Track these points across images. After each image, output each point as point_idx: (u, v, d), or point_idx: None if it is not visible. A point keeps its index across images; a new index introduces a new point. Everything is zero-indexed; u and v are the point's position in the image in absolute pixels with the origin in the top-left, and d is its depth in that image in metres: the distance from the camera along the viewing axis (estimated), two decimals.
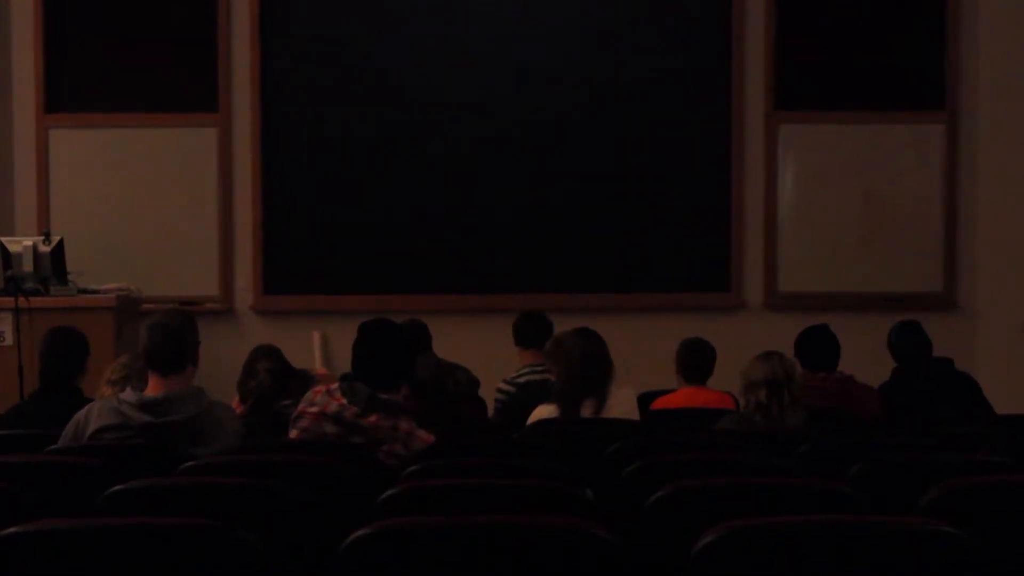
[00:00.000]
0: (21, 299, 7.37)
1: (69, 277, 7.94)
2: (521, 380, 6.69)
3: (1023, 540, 3.40)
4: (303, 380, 5.98)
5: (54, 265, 7.85)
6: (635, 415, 5.75)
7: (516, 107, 9.35)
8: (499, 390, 6.74)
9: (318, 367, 8.57)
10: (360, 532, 2.82)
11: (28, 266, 7.74)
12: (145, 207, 9.23)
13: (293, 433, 4.80)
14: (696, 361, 6.61)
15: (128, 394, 4.70)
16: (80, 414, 4.74)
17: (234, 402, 5.90)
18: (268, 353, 6.01)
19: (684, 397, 6.48)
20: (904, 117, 9.37)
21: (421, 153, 9.34)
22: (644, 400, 6.35)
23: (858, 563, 2.82)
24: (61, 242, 7.95)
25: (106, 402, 4.74)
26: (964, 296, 9.37)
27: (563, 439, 5.01)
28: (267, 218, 9.31)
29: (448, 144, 9.35)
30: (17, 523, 2.90)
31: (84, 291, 7.94)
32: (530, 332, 6.96)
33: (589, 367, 5.62)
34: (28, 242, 7.88)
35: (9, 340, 7.44)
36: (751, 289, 9.40)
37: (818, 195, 9.38)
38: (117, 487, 3.44)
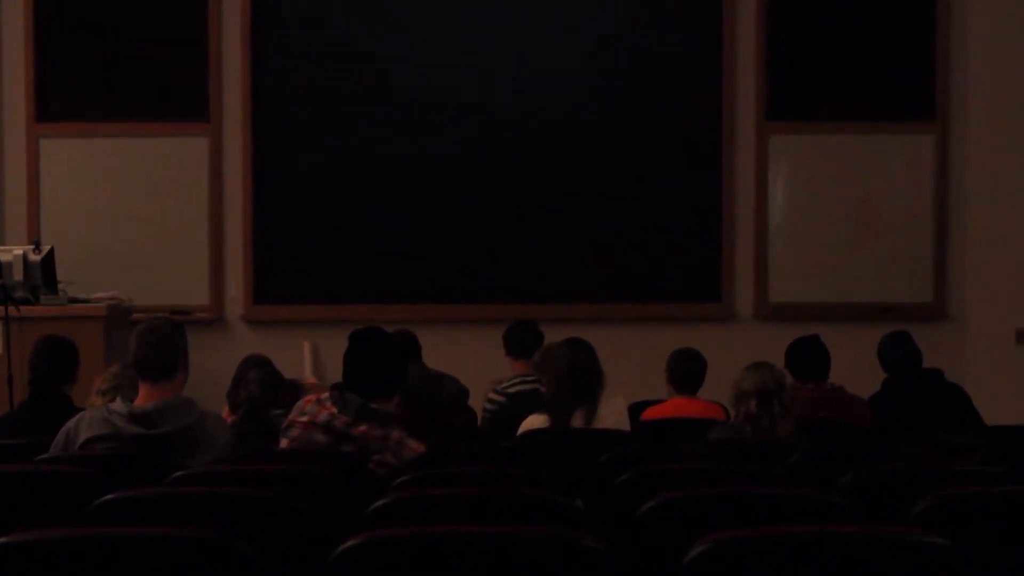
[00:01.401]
0: (11, 308, 7.36)
1: (59, 286, 7.92)
2: (512, 390, 6.69)
3: (1014, 550, 3.41)
4: (293, 390, 5.98)
5: (44, 274, 7.83)
6: (626, 425, 5.75)
7: (507, 119, 9.36)
8: (489, 399, 6.74)
9: (308, 377, 8.57)
10: (351, 542, 2.82)
11: (18, 275, 7.72)
12: (136, 216, 9.22)
13: (283, 443, 4.80)
14: (687, 371, 6.62)
15: (118, 404, 4.67)
16: (70, 423, 4.72)
17: (224, 412, 5.90)
18: (259, 363, 6.01)
19: (674, 407, 6.47)
20: (895, 127, 9.39)
21: (412, 163, 9.34)
22: (634, 410, 6.35)
23: (849, 573, 2.82)
24: (51, 251, 7.94)
25: (96, 412, 4.71)
26: (954, 306, 9.38)
27: (554, 449, 5.01)
28: (258, 228, 9.30)
29: (439, 155, 9.35)
30: (7, 533, 2.89)
31: (74, 300, 7.92)
32: (521, 342, 6.97)
33: (579, 378, 5.61)
34: (18, 251, 7.86)
35: None
36: (742, 299, 9.40)
37: (809, 205, 9.39)
38: (108, 496, 3.44)
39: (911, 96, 9.41)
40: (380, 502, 3.39)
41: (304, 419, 4.74)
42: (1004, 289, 9.24)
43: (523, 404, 6.20)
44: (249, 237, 9.28)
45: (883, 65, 9.40)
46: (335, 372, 5.07)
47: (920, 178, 9.39)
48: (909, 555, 2.84)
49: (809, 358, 6.31)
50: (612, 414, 5.64)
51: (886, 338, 6.81)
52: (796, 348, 6.37)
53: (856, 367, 6.93)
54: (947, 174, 9.36)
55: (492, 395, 6.74)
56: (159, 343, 4.72)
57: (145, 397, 4.69)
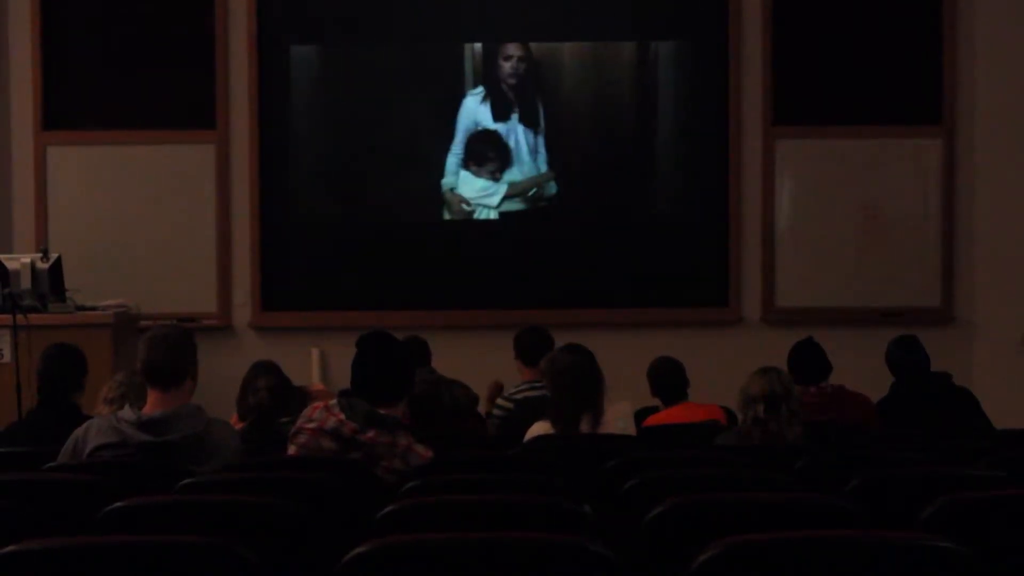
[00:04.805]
0: (19, 316, 7.37)
1: (67, 294, 7.94)
2: (519, 396, 6.69)
3: (1022, 554, 3.40)
4: (302, 396, 5.98)
5: (52, 282, 7.85)
6: (632, 430, 5.75)
7: (513, 123, 9.37)
8: (497, 406, 6.74)
9: (316, 383, 8.57)
10: (359, 549, 2.82)
11: (26, 283, 7.75)
12: (143, 224, 9.23)
13: (291, 449, 4.79)
14: (667, 381, 6.66)
15: (127, 412, 4.68)
16: (79, 431, 4.72)
17: (233, 419, 5.90)
18: (267, 370, 6.01)
19: (673, 414, 6.48)
20: (901, 132, 9.38)
21: (419, 169, 9.35)
22: (638, 416, 6.35)
23: None
24: (59, 259, 7.96)
25: (105, 420, 4.71)
26: (962, 310, 9.37)
27: (561, 455, 5.01)
28: (265, 234, 9.31)
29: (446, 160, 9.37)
30: (16, 541, 2.89)
31: (82, 308, 7.94)
32: (531, 347, 6.95)
33: (579, 384, 5.59)
34: (26, 259, 7.89)
35: (7, 357, 7.44)
36: (749, 304, 9.40)
37: (816, 210, 9.39)
38: (116, 504, 3.44)
39: (917, 100, 9.41)
40: (388, 508, 3.39)
41: (312, 426, 4.74)
42: (1011, 293, 9.24)
43: (530, 410, 6.20)
44: (256, 243, 9.29)
45: (889, 69, 9.40)
46: (343, 378, 5.06)
47: (927, 182, 9.38)
48: (917, 559, 2.84)
49: (806, 361, 6.33)
50: (618, 419, 5.64)
51: (894, 342, 6.80)
52: (794, 353, 6.38)
53: (864, 371, 6.93)
54: (954, 178, 9.35)
55: (500, 401, 6.74)
56: (168, 350, 4.72)
57: (153, 405, 4.70)
